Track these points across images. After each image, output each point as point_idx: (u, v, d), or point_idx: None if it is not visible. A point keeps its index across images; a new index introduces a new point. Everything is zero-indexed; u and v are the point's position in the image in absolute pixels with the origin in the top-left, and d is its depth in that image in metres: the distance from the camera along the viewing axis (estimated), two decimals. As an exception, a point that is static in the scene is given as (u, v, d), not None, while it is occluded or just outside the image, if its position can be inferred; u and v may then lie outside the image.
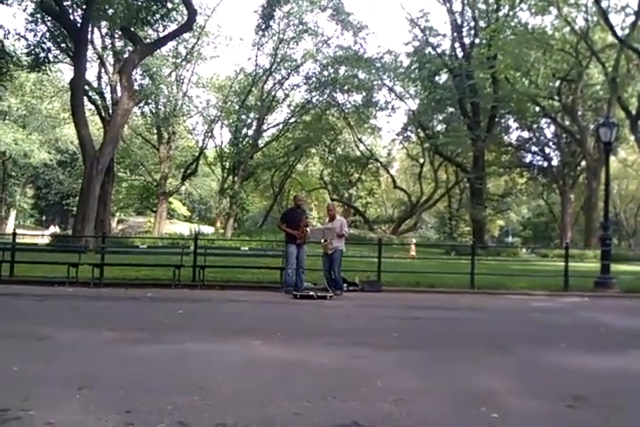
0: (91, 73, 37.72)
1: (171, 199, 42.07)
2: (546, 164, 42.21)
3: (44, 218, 59.73)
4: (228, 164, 38.55)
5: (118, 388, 3.78)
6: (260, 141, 39.94)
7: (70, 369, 4.29)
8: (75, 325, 6.38)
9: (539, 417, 3.40)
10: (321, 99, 39.27)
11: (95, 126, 35.98)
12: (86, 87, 27.69)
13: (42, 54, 24.81)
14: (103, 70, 32.38)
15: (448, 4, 35.55)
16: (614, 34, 27.25)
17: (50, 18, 24.10)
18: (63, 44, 25.53)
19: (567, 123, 37.33)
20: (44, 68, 25.33)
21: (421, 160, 45.40)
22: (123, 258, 14.04)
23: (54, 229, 43.93)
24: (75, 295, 9.91)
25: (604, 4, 27.20)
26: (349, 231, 12.64)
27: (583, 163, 37.69)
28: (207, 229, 39.41)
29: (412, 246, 24.28)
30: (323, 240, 11.15)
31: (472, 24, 35.49)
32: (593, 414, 3.47)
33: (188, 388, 3.81)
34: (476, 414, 3.41)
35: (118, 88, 26.91)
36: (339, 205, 43.14)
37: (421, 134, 40.85)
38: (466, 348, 5.67)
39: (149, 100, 34.16)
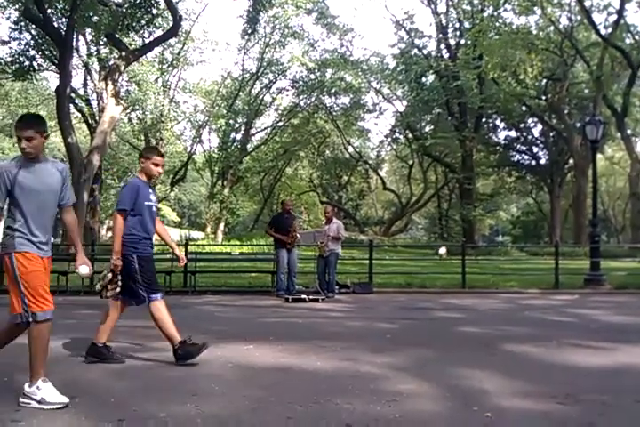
0: (76, 80, 37.60)
1: (160, 205, 41.89)
2: (534, 162, 42.46)
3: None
4: (216, 169, 38.47)
5: (110, 396, 3.76)
6: (248, 146, 39.92)
7: (62, 379, 4.26)
8: (65, 334, 6.33)
9: (531, 415, 3.42)
10: (308, 102, 39.33)
11: (82, 134, 35.82)
12: (72, 95, 27.58)
13: (26, 63, 24.66)
14: (89, 77, 32.28)
15: (433, 6, 35.78)
16: (598, 32, 27.51)
17: (34, 25, 23.98)
18: (48, 52, 25.40)
19: (554, 121, 37.57)
20: (29, 76, 25.18)
21: (410, 161, 45.50)
22: (113, 265, 13.97)
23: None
24: (65, 304, 9.83)
25: (586, 4, 27.49)
26: (345, 234, 12.66)
27: (571, 161, 37.94)
28: (197, 235, 39.32)
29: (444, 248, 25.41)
30: (319, 242, 11.16)
31: (457, 25, 35.71)
32: (585, 411, 3.49)
33: (180, 395, 3.80)
34: (469, 414, 3.42)
35: (104, 95, 26.82)
36: (333, 208, 43.11)
37: (410, 136, 40.95)
38: (458, 348, 5.69)
39: (136, 107, 34.07)
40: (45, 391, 3.56)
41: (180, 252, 5.57)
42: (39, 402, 3.52)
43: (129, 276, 4.82)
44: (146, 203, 4.95)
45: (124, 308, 5.14)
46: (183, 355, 4.78)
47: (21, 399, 3.58)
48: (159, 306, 4.91)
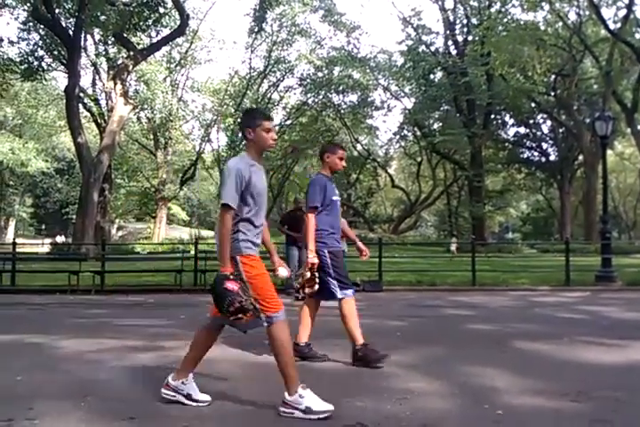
0: (85, 80, 37.80)
1: (170, 204, 42.08)
2: (543, 159, 42.29)
3: (43, 227, 59.65)
4: (225, 167, 38.55)
5: (122, 395, 3.78)
6: (256, 144, 39.91)
7: (74, 378, 4.28)
8: (76, 333, 6.37)
9: (543, 412, 3.40)
10: (316, 100, 39.34)
11: (91, 133, 35.99)
12: (81, 94, 27.70)
13: (35, 63, 24.82)
14: (97, 77, 32.44)
15: (440, 2, 35.65)
16: (607, 27, 27.29)
17: (42, 26, 24.10)
18: (56, 52, 25.55)
19: (563, 118, 37.39)
20: (38, 76, 25.33)
21: (419, 159, 45.40)
22: (123, 264, 14.05)
23: (61, 238, 43.96)
24: (76, 303, 9.92)
25: (595, -2, 27.25)
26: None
27: (580, 157, 37.76)
28: (207, 233, 39.41)
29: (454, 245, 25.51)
30: None
31: (464, 21, 35.59)
32: (597, 408, 3.47)
33: (191, 393, 3.81)
34: (480, 412, 3.41)
35: (113, 94, 26.94)
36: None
37: (418, 133, 40.87)
38: (468, 345, 5.67)
39: (145, 106, 34.19)
40: (309, 399, 3.33)
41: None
42: (304, 411, 3.29)
43: (322, 271, 4.78)
44: (333, 198, 4.92)
45: (318, 305, 5.13)
46: (361, 357, 4.73)
47: (282, 409, 3.36)
48: (350, 303, 4.89)
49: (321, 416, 3.26)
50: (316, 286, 4.72)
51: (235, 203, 3.40)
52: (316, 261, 4.67)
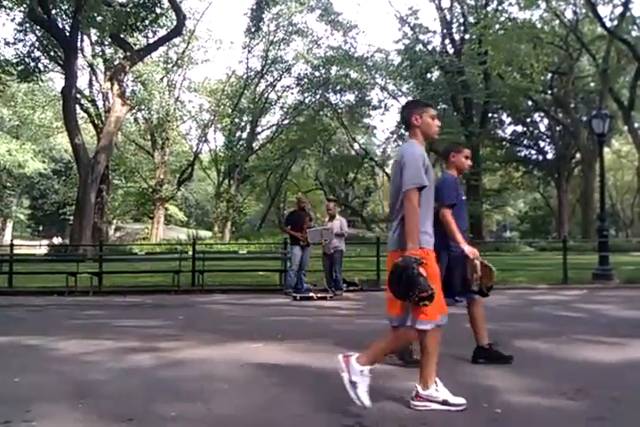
0: (82, 81, 37.77)
1: (167, 205, 42.05)
2: (541, 157, 42.30)
3: (40, 228, 59.54)
4: (223, 167, 38.54)
5: (120, 396, 3.77)
6: (254, 144, 39.96)
7: (71, 379, 4.28)
8: (74, 334, 6.36)
9: (540, 410, 3.40)
10: (314, 99, 39.35)
11: (89, 134, 35.95)
12: (78, 95, 27.66)
13: (31, 64, 24.77)
14: (94, 78, 32.42)
15: (437, 1, 35.62)
16: (603, 25, 27.30)
17: (39, 27, 24.06)
18: (53, 53, 25.51)
19: (560, 116, 37.43)
20: (34, 77, 25.29)
21: (416, 157, 45.36)
22: (121, 265, 14.05)
23: (57, 239, 43.90)
24: (74, 304, 9.90)
25: (591, -4, 27.27)
26: (349, 231, 12.60)
27: (578, 155, 37.80)
28: (205, 234, 39.39)
29: None
30: (323, 240, 11.10)
31: (461, 20, 35.58)
32: (595, 406, 3.47)
33: (189, 394, 3.81)
34: (479, 411, 3.40)
35: (110, 95, 26.92)
36: (335, 205, 43.28)
37: (415, 132, 40.83)
38: (466, 345, 5.66)
39: (142, 107, 34.15)
40: (444, 393, 3.44)
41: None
42: (442, 403, 3.39)
43: (447, 271, 4.54)
44: (463, 198, 4.91)
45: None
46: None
47: (416, 403, 3.43)
48: (480, 304, 4.85)
49: (459, 409, 3.38)
50: (495, 271, 4.46)
51: (425, 182, 3.28)
52: (474, 249, 4.41)
